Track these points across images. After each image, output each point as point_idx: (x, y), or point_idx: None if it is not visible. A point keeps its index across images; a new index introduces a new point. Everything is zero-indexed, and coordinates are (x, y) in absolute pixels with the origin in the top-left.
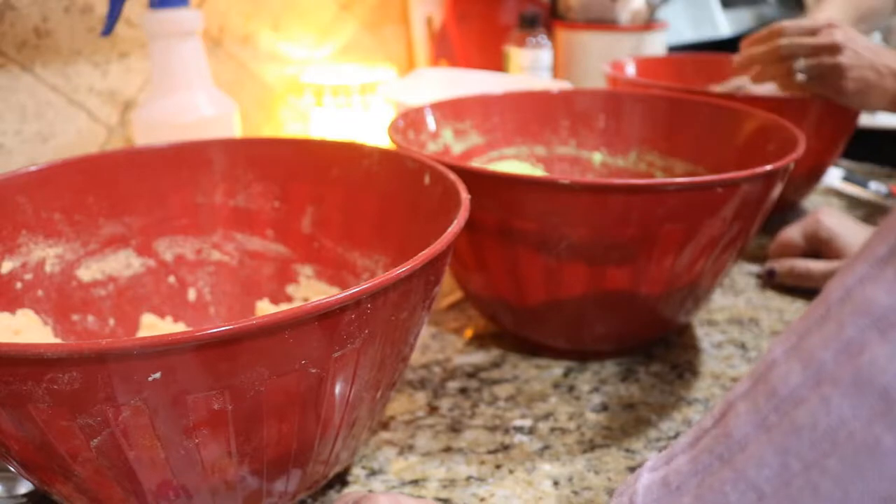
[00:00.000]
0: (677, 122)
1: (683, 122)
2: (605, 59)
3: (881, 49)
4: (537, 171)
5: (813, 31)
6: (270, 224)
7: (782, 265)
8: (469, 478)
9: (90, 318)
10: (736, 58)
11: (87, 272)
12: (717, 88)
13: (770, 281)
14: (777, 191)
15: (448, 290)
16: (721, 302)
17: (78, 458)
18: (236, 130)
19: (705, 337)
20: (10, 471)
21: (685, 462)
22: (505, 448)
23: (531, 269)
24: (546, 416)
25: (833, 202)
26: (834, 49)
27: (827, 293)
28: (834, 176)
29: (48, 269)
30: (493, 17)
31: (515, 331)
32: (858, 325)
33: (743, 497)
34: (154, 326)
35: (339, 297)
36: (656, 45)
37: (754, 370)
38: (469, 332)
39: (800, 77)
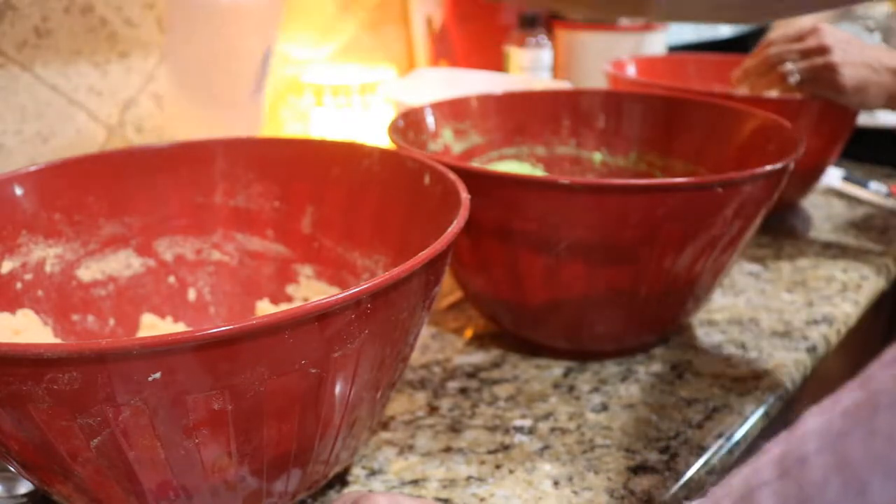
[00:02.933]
0: (677, 122)
1: (683, 122)
2: (605, 59)
3: (871, 47)
4: (537, 171)
5: (800, 37)
6: (270, 224)
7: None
8: (469, 478)
9: (90, 318)
10: (733, 74)
11: (87, 272)
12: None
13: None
14: (777, 191)
15: (448, 290)
16: (721, 302)
17: (78, 458)
18: (279, 20)
19: (705, 337)
20: (10, 471)
21: None
22: (505, 448)
23: (531, 269)
24: (546, 416)
25: (833, 202)
26: (823, 50)
27: (876, 382)
28: (834, 176)
29: (48, 269)
30: (493, 17)
31: (515, 331)
32: None
33: None
34: (154, 326)
35: (339, 297)
36: (656, 45)
37: (783, 456)
38: (469, 332)
39: (793, 79)
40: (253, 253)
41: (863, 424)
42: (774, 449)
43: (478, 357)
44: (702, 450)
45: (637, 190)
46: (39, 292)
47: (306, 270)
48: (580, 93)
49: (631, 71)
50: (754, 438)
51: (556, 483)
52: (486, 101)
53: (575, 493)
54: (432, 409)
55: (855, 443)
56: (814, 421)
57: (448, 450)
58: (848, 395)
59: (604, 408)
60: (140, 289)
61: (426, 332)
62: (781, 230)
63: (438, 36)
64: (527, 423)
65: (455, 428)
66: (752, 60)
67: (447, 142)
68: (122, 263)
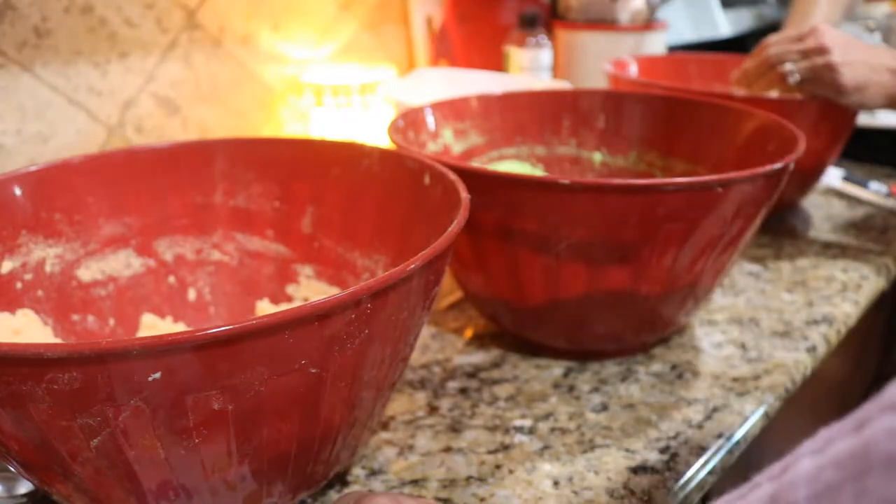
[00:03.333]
0: (677, 122)
1: (683, 122)
2: (605, 59)
3: (871, 47)
4: (537, 171)
5: (799, 38)
6: (270, 224)
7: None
8: (469, 478)
9: (90, 318)
10: (733, 74)
11: (87, 272)
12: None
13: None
14: (777, 191)
15: (448, 290)
16: (721, 302)
17: (78, 458)
18: None
19: (705, 337)
20: (10, 471)
21: None
22: (505, 448)
23: (531, 269)
24: (546, 416)
25: (833, 202)
26: (823, 50)
27: (871, 430)
28: (834, 176)
29: (48, 269)
30: (493, 17)
31: (515, 331)
32: None
33: None
34: (154, 326)
35: (339, 297)
36: (656, 45)
37: (772, 499)
38: (469, 332)
39: (793, 79)
40: (253, 253)
41: (854, 482)
42: (766, 487)
43: (478, 357)
44: (702, 450)
45: (637, 190)
46: (39, 292)
47: (306, 270)
48: (580, 93)
49: (631, 71)
50: (754, 438)
51: (556, 483)
52: (486, 101)
53: (575, 493)
54: (432, 409)
55: (845, 501)
56: (806, 463)
57: (448, 450)
58: (842, 441)
59: (604, 408)
60: (140, 289)
61: (426, 332)
62: (781, 230)
63: (438, 36)
64: (527, 423)
65: (455, 428)
66: (752, 61)
67: (447, 142)
68: (122, 263)
